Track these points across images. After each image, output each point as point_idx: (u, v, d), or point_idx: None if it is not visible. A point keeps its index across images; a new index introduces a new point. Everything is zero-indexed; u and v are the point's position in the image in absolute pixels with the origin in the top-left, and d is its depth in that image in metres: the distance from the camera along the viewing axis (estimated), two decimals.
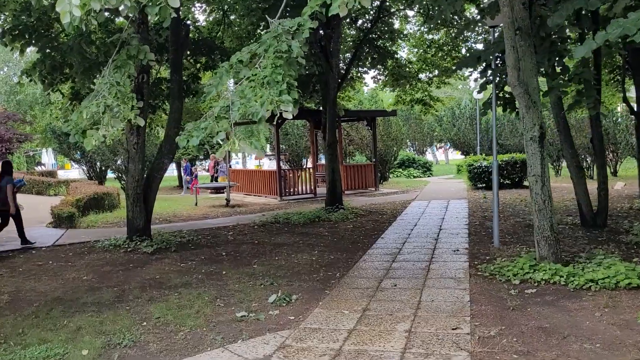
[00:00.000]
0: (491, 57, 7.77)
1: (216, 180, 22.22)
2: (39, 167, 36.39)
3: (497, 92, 8.15)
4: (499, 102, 8.41)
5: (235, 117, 5.08)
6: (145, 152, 10.33)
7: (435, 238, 9.21)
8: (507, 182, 17.83)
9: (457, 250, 8.09)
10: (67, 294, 6.41)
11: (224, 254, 8.62)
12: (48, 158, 44.67)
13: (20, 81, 11.11)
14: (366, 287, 6.24)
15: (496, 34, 8.11)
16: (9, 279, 7.18)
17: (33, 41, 9.52)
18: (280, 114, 4.85)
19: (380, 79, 17.06)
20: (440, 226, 10.49)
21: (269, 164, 32.38)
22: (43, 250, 9.25)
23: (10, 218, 9.55)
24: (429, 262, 7.40)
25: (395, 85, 16.59)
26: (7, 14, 9.21)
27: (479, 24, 10.51)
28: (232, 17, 14.09)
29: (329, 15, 4.70)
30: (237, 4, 12.77)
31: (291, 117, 4.91)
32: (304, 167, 23.92)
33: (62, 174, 31.96)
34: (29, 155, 31.53)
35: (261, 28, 13.32)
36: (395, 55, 16.03)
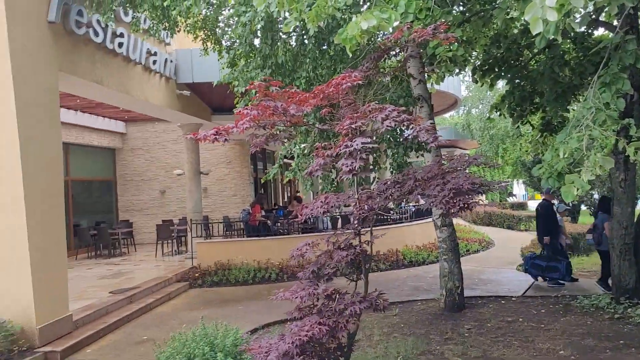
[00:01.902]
0: None
1: None
2: (510, 197, 37.37)
3: None
4: None
5: None
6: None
7: None
8: None
9: None
10: None
11: None
12: (518, 189, 45.69)
13: (490, 116, 10.88)
14: None
15: None
16: (476, 338, 6.47)
17: (502, 73, 9.06)
18: None
19: None
20: None
21: None
22: (512, 301, 8.33)
23: None
24: None
25: None
26: (477, 50, 9.01)
27: None
28: None
29: None
30: None
31: None
32: None
33: (532, 205, 31.52)
34: (501, 186, 32.73)
35: None
36: None
